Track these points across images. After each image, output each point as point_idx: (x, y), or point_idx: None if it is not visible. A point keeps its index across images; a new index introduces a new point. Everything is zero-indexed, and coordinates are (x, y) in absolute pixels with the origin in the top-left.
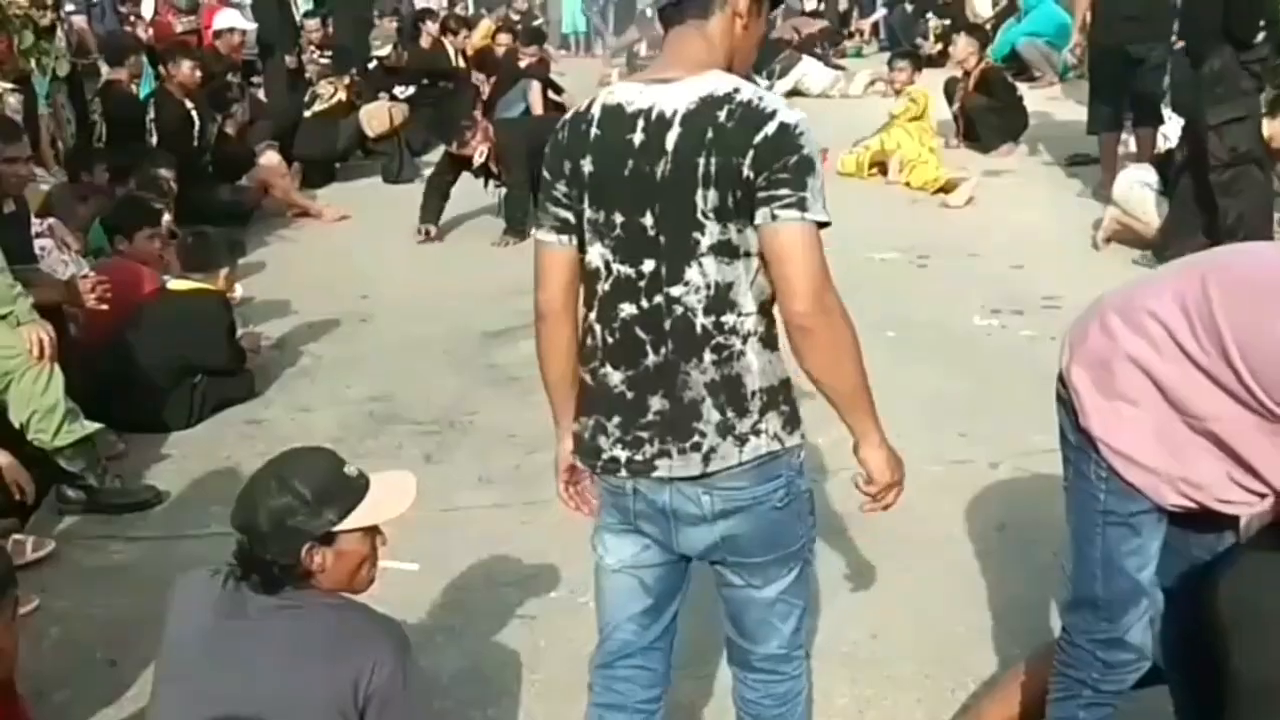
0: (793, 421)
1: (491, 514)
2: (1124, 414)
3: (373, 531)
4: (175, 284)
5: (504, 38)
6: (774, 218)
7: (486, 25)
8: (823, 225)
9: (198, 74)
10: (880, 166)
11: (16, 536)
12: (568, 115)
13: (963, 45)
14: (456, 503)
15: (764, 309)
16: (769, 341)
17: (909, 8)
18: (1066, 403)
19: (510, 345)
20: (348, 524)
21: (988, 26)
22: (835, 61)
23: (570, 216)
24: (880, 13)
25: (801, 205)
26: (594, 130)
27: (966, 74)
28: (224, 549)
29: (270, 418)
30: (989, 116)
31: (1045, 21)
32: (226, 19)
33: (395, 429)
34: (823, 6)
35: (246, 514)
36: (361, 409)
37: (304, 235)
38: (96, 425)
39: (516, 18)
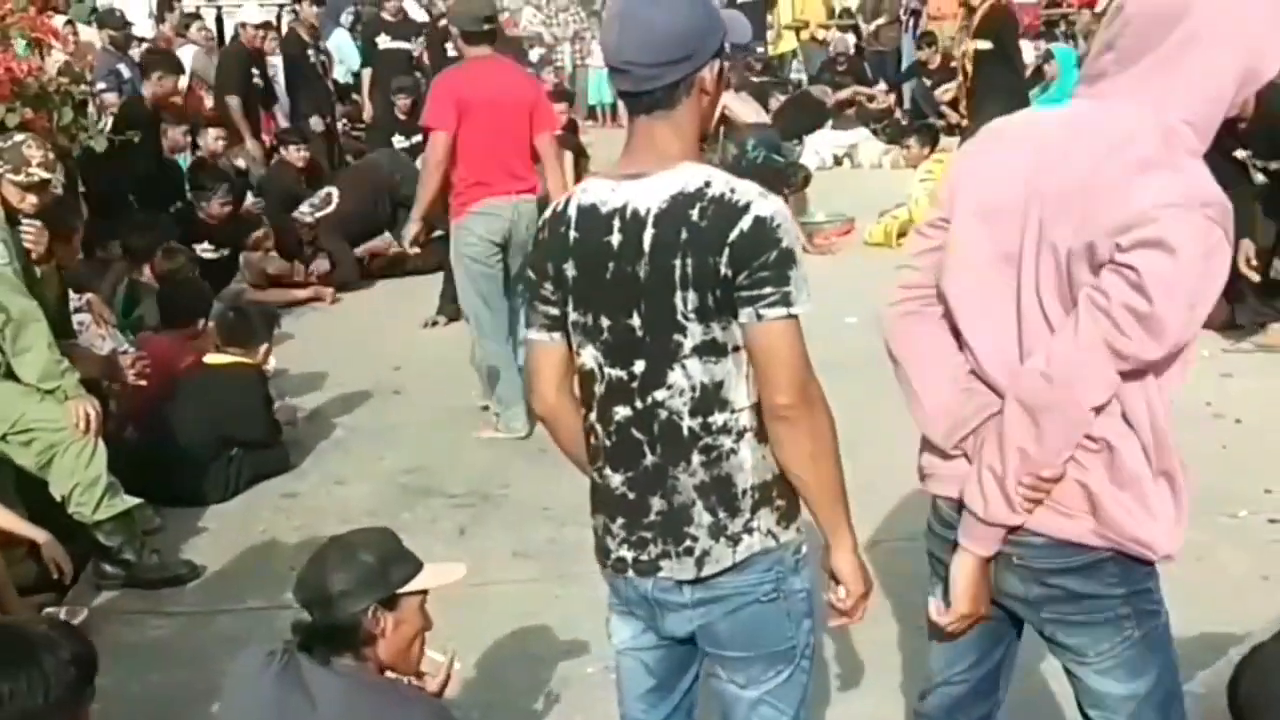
0: (788, 516)
1: (525, 588)
2: None
3: (425, 610)
4: (212, 358)
5: None
6: (759, 317)
7: None
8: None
9: (221, 143)
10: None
11: (49, 609)
12: (546, 214)
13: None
14: (491, 577)
15: (759, 403)
16: (763, 435)
17: (927, 82)
18: None
19: None
20: (410, 587)
21: None
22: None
23: (558, 314)
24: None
25: (786, 301)
26: (572, 233)
27: None
28: (261, 624)
29: (305, 490)
30: None
31: (1070, 90)
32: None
33: (430, 502)
34: (845, 74)
35: (314, 582)
36: (395, 481)
37: (335, 306)
38: (136, 500)
39: (548, 89)
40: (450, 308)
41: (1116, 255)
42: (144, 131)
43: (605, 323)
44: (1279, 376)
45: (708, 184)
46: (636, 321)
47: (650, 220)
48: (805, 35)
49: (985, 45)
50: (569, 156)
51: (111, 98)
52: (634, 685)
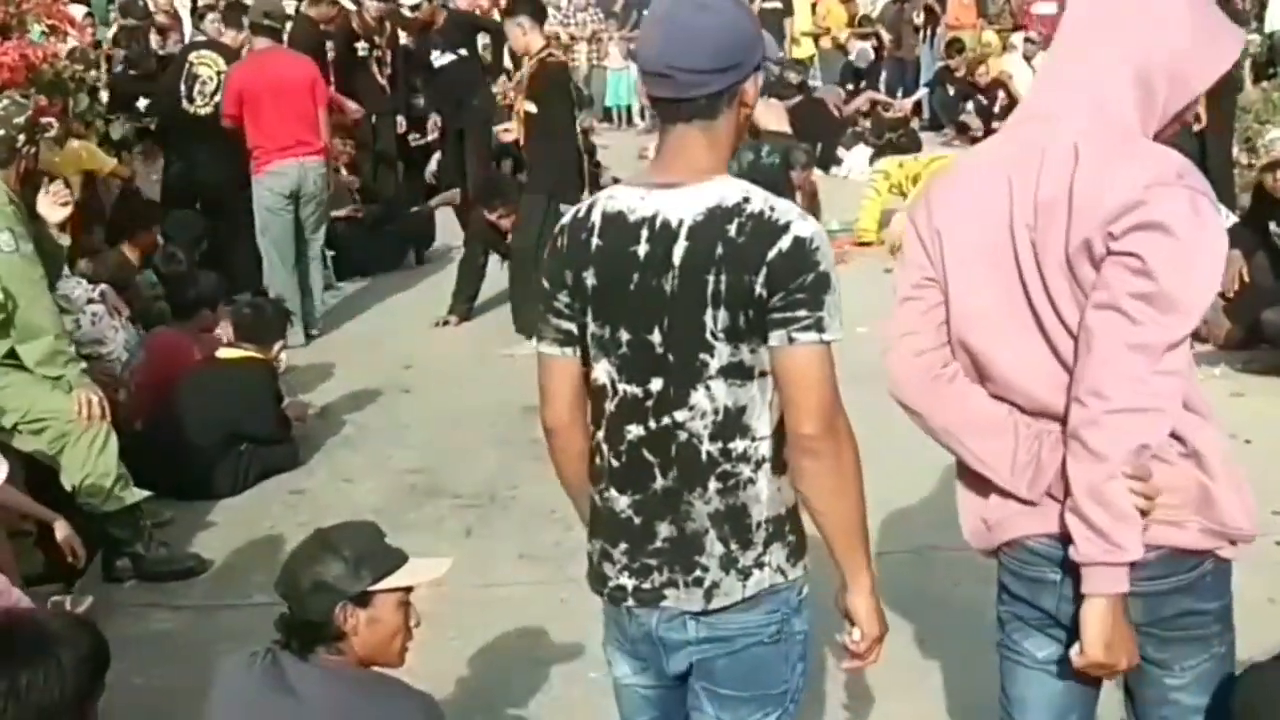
0: (797, 553)
1: (532, 591)
2: None
3: (406, 605)
4: (223, 352)
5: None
6: (791, 340)
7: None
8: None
9: None
10: None
11: (55, 598)
12: (566, 219)
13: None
14: (497, 579)
15: (779, 432)
16: (780, 466)
17: (950, 90)
18: None
19: None
20: (384, 585)
21: None
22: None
23: (573, 328)
24: (922, 92)
25: (819, 326)
26: (595, 240)
27: None
28: (266, 619)
29: (313, 487)
30: None
31: None
32: None
33: (437, 502)
34: (864, 84)
35: (289, 578)
36: (403, 480)
37: (346, 302)
38: (145, 493)
39: None
40: (462, 307)
41: (1111, 245)
42: None
43: (624, 336)
44: None
45: (746, 200)
46: (658, 338)
47: (684, 233)
48: (826, 43)
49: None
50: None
51: None
52: (634, 713)
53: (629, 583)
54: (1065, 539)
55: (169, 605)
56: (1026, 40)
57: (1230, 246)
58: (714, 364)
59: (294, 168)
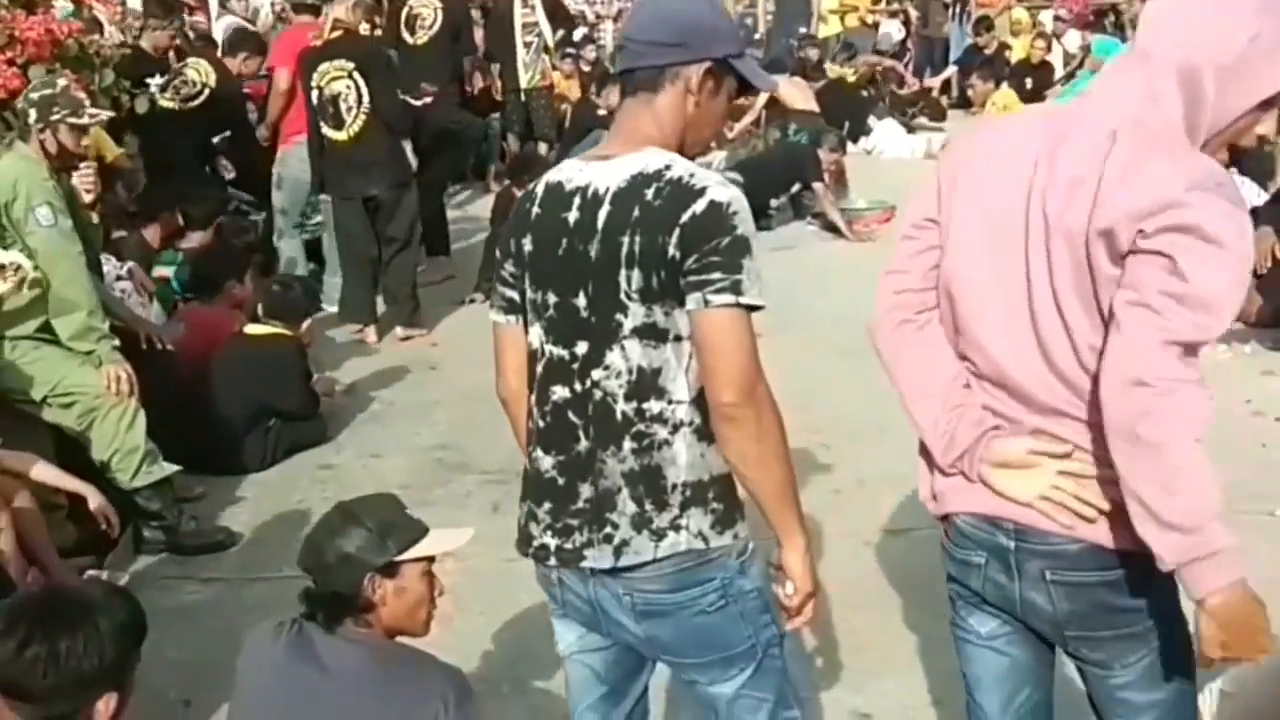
0: (724, 521)
1: None
2: None
3: (430, 575)
4: (252, 328)
5: (566, 82)
6: (706, 303)
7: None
8: (755, 309)
9: None
10: None
11: (91, 571)
12: (520, 193)
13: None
14: None
15: (700, 398)
16: (704, 434)
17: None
18: None
19: None
20: (410, 554)
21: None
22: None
23: (516, 296)
24: (951, 70)
25: (736, 289)
26: (535, 209)
27: None
28: (295, 591)
29: (341, 463)
30: None
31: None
32: None
33: (464, 478)
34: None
35: (313, 551)
36: (430, 456)
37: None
38: (174, 467)
39: (587, 69)
40: (488, 284)
41: (1140, 242)
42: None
43: (552, 299)
44: None
45: (668, 167)
46: (583, 301)
47: (608, 199)
48: (853, 20)
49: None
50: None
51: None
52: (583, 693)
53: (551, 542)
54: (991, 521)
55: (199, 578)
56: (1056, 18)
57: (1262, 224)
58: (628, 324)
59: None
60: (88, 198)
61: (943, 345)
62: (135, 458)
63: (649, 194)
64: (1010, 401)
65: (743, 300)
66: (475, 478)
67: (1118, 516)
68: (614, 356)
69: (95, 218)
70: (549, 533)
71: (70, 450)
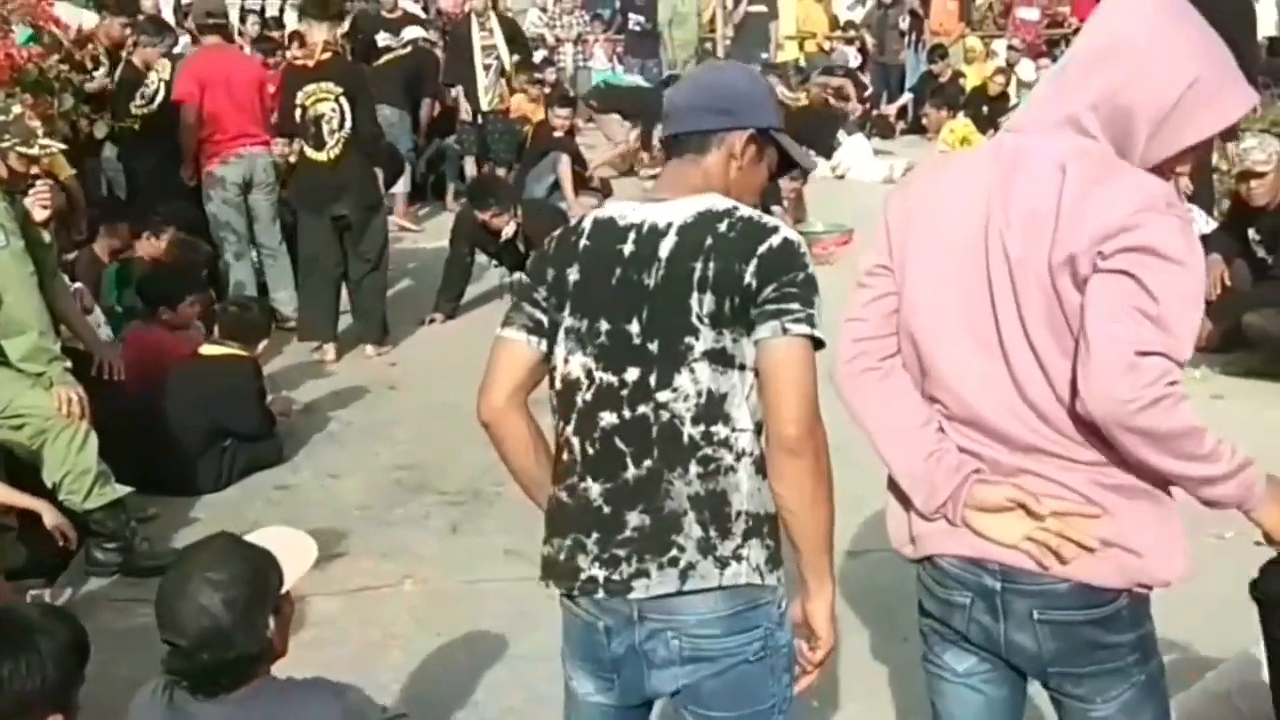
0: (775, 560)
1: (517, 586)
2: None
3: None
4: (207, 349)
5: (530, 105)
6: (784, 330)
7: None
8: (821, 346)
9: None
10: None
11: (34, 591)
12: (558, 231)
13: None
14: (482, 575)
15: (760, 430)
16: (762, 468)
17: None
18: None
19: (541, 415)
20: (288, 582)
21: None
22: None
23: (544, 320)
24: (906, 97)
25: (811, 322)
26: (583, 242)
27: None
28: None
29: (298, 483)
30: None
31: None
32: None
33: (423, 498)
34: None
35: (195, 622)
36: (389, 477)
37: None
38: (127, 489)
39: (547, 90)
40: (447, 305)
41: (1100, 264)
42: None
43: (603, 326)
44: (1270, 399)
45: (736, 208)
46: (635, 328)
47: (672, 232)
48: (811, 46)
49: None
50: (566, 161)
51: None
52: None
53: (600, 573)
54: (976, 563)
55: (151, 600)
56: (1009, 48)
57: (1211, 251)
58: (698, 347)
59: (244, 158)
60: (41, 215)
61: (910, 390)
62: (87, 479)
63: (722, 227)
64: (987, 441)
65: (816, 333)
66: (434, 498)
67: (1105, 553)
68: (682, 379)
69: (47, 236)
70: (597, 564)
71: (21, 473)
